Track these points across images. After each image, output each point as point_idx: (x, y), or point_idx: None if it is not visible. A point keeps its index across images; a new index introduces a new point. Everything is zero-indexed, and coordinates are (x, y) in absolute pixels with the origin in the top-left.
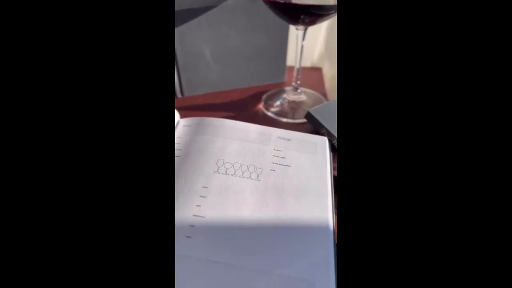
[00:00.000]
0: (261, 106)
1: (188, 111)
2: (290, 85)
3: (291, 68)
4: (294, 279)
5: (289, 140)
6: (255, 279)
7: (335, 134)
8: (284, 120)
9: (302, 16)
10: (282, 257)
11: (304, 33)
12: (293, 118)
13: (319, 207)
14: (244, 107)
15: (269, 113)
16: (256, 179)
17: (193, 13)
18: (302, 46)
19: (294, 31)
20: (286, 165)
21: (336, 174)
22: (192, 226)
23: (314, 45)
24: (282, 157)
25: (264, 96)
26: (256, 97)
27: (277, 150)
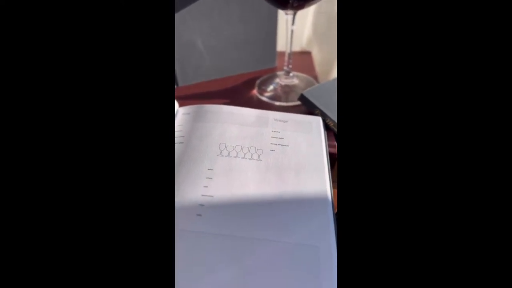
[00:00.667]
0: (255, 91)
1: (185, 100)
2: (281, 70)
3: (281, 53)
4: (300, 245)
5: (285, 121)
6: (264, 248)
7: (329, 114)
8: (278, 103)
9: (291, 1)
10: (287, 226)
11: (294, 18)
12: (287, 101)
13: (317, 180)
14: (239, 94)
15: (263, 98)
16: (258, 159)
17: (185, 2)
18: (292, 31)
19: (282, 17)
20: (285, 145)
21: (331, 151)
22: (202, 205)
23: (302, 30)
24: (280, 138)
25: (257, 82)
26: (249, 83)
27: (275, 131)
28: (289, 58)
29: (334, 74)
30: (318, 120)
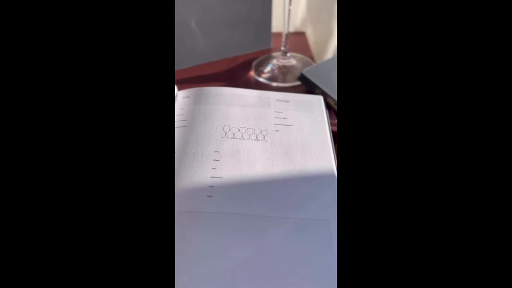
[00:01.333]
0: (252, 73)
1: (182, 84)
2: (276, 51)
3: (276, 34)
4: (311, 220)
5: (287, 101)
6: (277, 225)
7: (329, 93)
8: (275, 84)
9: None
10: (297, 203)
11: None
12: (284, 81)
13: (323, 157)
14: (236, 75)
15: (260, 79)
16: (263, 140)
17: None
18: (289, 10)
19: None
20: (289, 125)
21: (333, 129)
22: (212, 186)
23: (296, 10)
24: (284, 118)
25: (254, 63)
26: (245, 65)
27: (277, 112)
28: (286, 38)
29: (329, 54)
30: (319, 99)
